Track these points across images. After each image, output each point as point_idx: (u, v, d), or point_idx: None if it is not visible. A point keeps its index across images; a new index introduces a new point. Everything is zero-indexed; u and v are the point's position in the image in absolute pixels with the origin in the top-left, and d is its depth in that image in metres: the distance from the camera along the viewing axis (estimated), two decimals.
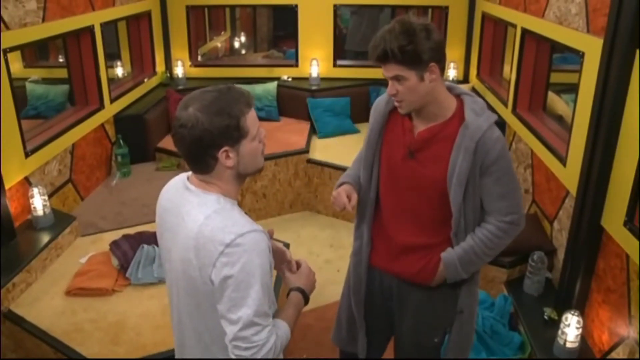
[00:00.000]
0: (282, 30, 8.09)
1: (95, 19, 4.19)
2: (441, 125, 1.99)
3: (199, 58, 6.06)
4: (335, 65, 5.82)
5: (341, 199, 2.07)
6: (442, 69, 1.92)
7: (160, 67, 5.65)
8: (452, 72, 5.53)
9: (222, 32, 7.85)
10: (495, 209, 2.01)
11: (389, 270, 2.22)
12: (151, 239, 3.24)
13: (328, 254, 4.32)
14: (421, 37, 1.82)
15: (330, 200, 2.11)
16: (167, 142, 4.98)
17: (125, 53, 5.27)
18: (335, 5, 5.63)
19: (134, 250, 3.14)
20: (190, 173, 1.62)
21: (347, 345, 2.44)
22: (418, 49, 1.82)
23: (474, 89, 5.22)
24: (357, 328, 2.36)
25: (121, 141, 4.44)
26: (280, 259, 1.82)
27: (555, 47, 3.64)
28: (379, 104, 2.15)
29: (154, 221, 1.70)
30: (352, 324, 2.38)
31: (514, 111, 4.09)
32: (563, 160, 3.18)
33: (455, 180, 1.96)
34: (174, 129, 1.49)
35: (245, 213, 1.57)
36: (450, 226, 2.06)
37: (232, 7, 7.68)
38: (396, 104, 1.98)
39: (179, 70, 5.75)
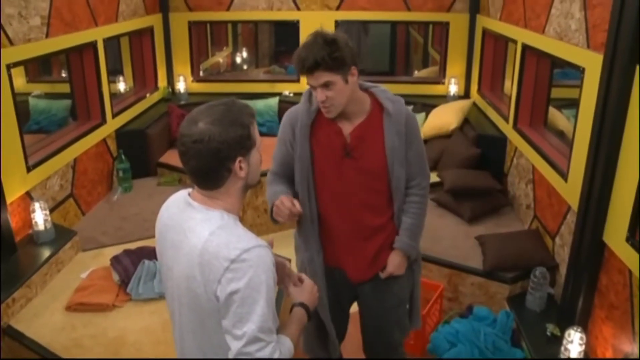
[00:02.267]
0: (284, 46, 8.12)
1: (98, 34, 4.22)
2: (366, 120, 2.20)
3: (201, 73, 6.08)
4: None
5: (284, 207, 2.14)
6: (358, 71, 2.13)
7: (162, 82, 5.67)
8: (452, 88, 5.52)
9: (224, 48, 7.88)
10: (417, 174, 2.28)
11: (346, 267, 2.37)
12: (152, 254, 3.23)
13: None
14: (342, 44, 2.03)
15: (281, 214, 2.16)
16: (169, 157, 4.97)
17: (127, 68, 5.29)
18: (336, 21, 5.65)
19: (134, 266, 3.13)
20: (191, 190, 1.63)
21: (319, 352, 2.54)
22: (342, 54, 2.02)
23: (474, 105, 5.23)
24: (326, 331, 2.45)
25: (123, 156, 4.43)
26: (281, 273, 1.82)
27: (556, 62, 3.65)
28: (298, 118, 2.23)
29: (155, 236, 1.70)
30: (322, 329, 2.46)
31: (514, 126, 4.09)
32: (564, 176, 3.17)
33: (397, 163, 2.20)
34: (185, 147, 1.49)
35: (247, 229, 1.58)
36: (391, 203, 2.29)
37: (234, 23, 7.72)
38: (324, 109, 2.14)
39: (180, 86, 5.76)
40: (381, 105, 2.20)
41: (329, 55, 2.00)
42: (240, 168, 1.53)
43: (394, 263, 2.35)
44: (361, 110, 2.20)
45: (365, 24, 6.75)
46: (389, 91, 2.25)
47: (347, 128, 2.20)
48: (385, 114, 2.19)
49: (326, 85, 2.06)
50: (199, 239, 1.50)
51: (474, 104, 5.24)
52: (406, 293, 2.47)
